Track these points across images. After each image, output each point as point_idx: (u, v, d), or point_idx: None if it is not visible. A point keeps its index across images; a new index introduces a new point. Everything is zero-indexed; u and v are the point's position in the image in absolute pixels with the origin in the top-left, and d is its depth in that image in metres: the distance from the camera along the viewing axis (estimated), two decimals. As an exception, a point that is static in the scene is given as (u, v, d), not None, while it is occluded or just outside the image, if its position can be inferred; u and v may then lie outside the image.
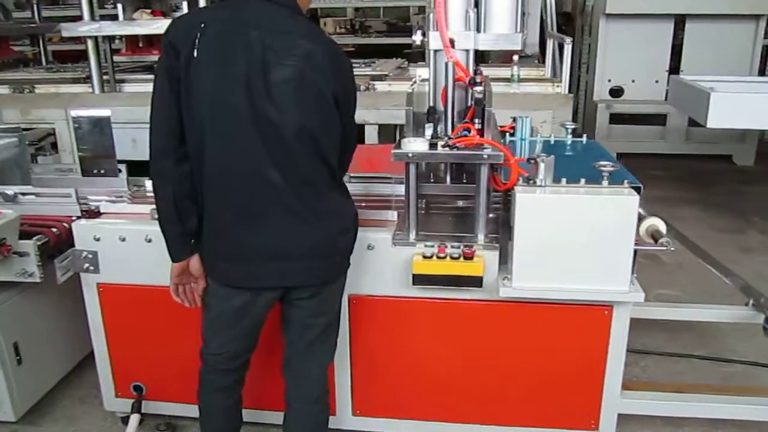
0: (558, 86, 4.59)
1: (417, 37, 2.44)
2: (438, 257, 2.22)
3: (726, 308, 3.20)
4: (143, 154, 3.81)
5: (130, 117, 4.38)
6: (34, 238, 2.50)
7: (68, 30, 4.62)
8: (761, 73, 7.26)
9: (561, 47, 4.64)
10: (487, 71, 2.90)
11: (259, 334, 2.07)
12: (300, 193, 1.82)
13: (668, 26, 6.92)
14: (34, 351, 2.78)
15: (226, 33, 1.76)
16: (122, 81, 4.90)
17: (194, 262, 1.93)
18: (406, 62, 5.79)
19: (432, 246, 2.27)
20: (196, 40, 1.74)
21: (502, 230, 2.31)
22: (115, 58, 5.03)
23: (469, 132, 2.23)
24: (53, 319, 2.89)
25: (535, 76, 5.20)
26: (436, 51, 2.39)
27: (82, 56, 7.55)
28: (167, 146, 1.82)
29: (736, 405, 2.53)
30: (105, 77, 4.75)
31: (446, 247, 2.25)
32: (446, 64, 2.32)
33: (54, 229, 2.61)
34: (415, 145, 2.18)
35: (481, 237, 2.28)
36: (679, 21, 6.92)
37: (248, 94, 1.73)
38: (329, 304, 2.03)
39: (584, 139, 2.94)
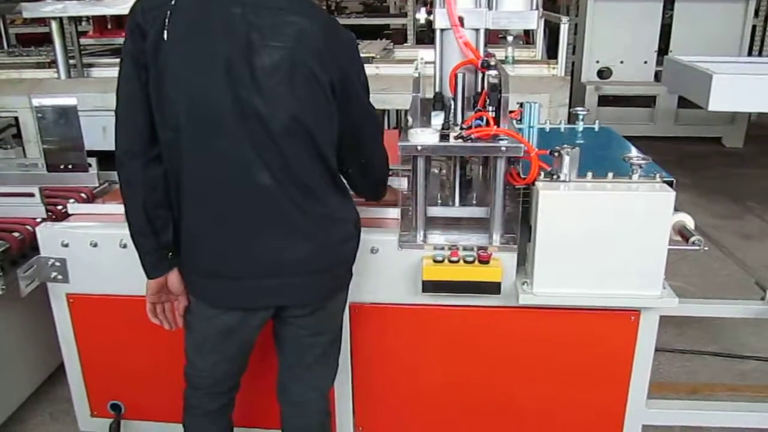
0: (554, 68, 4.37)
1: (421, 15, 2.18)
2: (450, 261, 2.00)
3: (740, 303, 3.01)
4: (114, 143, 3.54)
5: (99, 104, 4.09)
6: (-5, 245, 2.23)
7: (30, 11, 4.28)
8: (749, 53, 7.12)
9: (551, 27, 4.42)
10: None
11: (249, 355, 1.83)
12: (294, 197, 1.57)
13: (657, 5, 6.74)
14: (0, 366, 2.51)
15: (202, 10, 1.50)
16: (90, 65, 4.58)
17: (173, 279, 1.68)
18: (392, 44, 5.53)
19: (443, 248, 2.05)
20: (166, 20, 1.48)
21: (519, 229, 2.08)
22: (82, 40, 4.69)
23: (483, 121, 1.99)
24: (19, 331, 2.62)
25: (527, 58, 4.97)
26: (443, 30, 2.14)
27: (47, 39, 7.20)
28: (135, 146, 1.56)
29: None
30: (71, 61, 4.42)
31: (459, 249, 2.02)
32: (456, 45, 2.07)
33: (16, 234, 2.34)
34: (424, 137, 1.95)
35: (496, 237, 2.05)
36: (668, 0, 6.75)
37: (230, 82, 1.47)
38: (330, 321, 1.80)
39: (597, 125, 2.72)
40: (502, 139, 1.94)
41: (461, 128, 2.01)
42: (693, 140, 6.86)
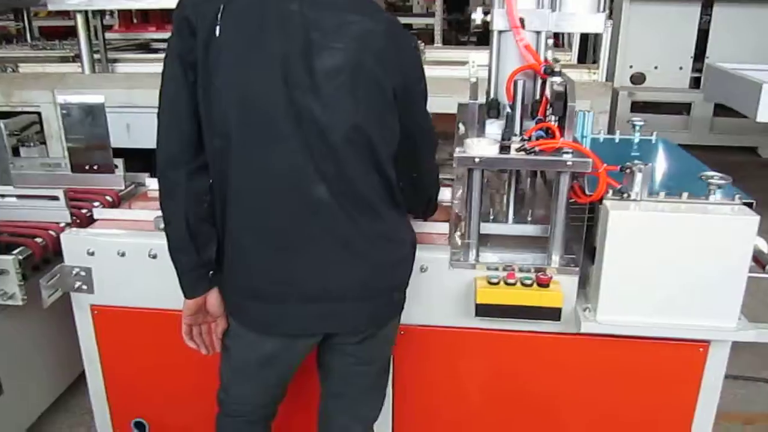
0: (594, 73, 4.20)
1: (477, 15, 2.02)
2: (506, 284, 1.84)
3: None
4: (138, 141, 3.40)
5: (124, 100, 3.97)
6: (15, 251, 2.10)
7: (55, 3, 4.16)
8: (789, 60, 6.88)
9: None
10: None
11: (289, 383, 1.68)
12: (351, 213, 1.42)
13: (694, 10, 6.52)
14: (18, 379, 2.38)
15: (259, 5, 1.36)
16: (115, 60, 4.46)
17: (212, 299, 1.53)
18: (422, 44, 5.36)
19: (496, 268, 1.89)
20: (219, 15, 1.33)
21: (582, 250, 1.92)
22: (107, 35, 4.57)
23: (547, 133, 1.83)
24: (38, 340, 2.49)
25: (563, 62, 4.79)
26: (500, 32, 1.98)
27: (71, 33, 7.10)
28: (180, 154, 1.42)
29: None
30: (96, 56, 4.30)
31: (515, 270, 1.86)
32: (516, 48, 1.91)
33: (38, 240, 2.20)
34: (482, 148, 1.79)
35: (556, 258, 1.89)
36: (706, 4, 6.53)
37: (287, 86, 1.33)
38: (381, 350, 1.64)
39: (654, 137, 2.56)
40: (566, 153, 1.78)
41: (522, 139, 1.85)
42: (728, 149, 6.64)
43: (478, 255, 1.92)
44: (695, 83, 6.63)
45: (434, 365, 2.01)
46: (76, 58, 4.42)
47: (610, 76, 6.87)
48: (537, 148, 1.77)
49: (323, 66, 1.32)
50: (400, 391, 2.04)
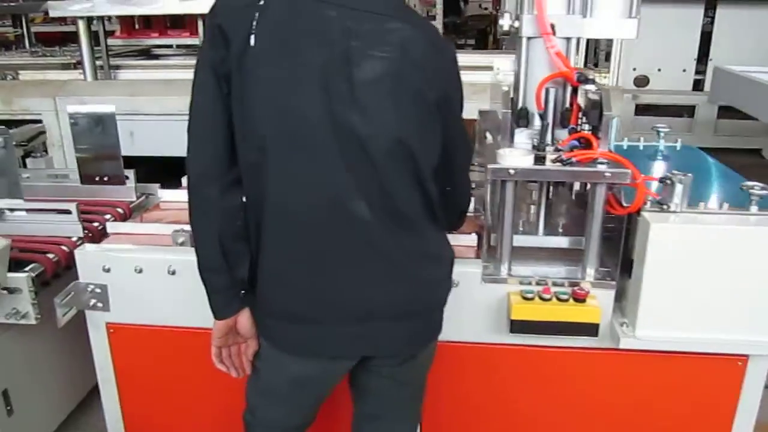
0: (605, 77, 4.14)
1: (505, 21, 1.96)
2: (541, 299, 1.78)
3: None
4: (143, 149, 3.31)
5: (127, 107, 3.89)
6: (27, 268, 2.02)
7: (56, 9, 4.07)
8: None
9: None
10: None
11: (320, 406, 1.61)
12: (391, 230, 1.35)
13: (697, 12, 6.50)
14: (28, 397, 2.30)
15: (295, 12, 1.29)
16: (117, 67, 4.38)
17: (244, 320, 1.46)
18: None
19: (529, 282, 1.83)
20: (254, 23, 1.26)
21: (619, 263, 1.86)
22: (109, 41, 4.49)
23: (581, 143, 1.78)
24: (49, 358, 2.41)
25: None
26: (529, 39, 1.92)
27: (68, 38, 7.00)
28: (212, 168, 1.35)
29: None
30: (98, 63, 4.22)
31: (550, 285, 1.80)
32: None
33: (51, 255, 2.13)
34: (517, 159, 1.73)
35: (590, 272, 1.83)
36: (709, 6, 6.50)
37: (326, 97, 1.26)
38: (419, 372, 1.58)
39: (679, 144, 2.50)
40: (601, 163, 1.73)
41: (556, 149, 1.79)
42: (732, 151, 6.59)
43: (510, 269, 1.85)
44: (698, 86, 6.61)
45: (466, 382, 1.95)
46: (78, 65, 4.35)
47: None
48: (574, 159, 1.71)
49: (364, 76, 1.26)
50: (431, 409, 1.97)
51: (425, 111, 1.33)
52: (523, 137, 1.93)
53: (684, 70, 6.61)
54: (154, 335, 2.02)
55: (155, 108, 3.96)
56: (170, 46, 5.24)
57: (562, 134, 1.89)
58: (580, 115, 1.87)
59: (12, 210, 2.25)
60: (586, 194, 2.18)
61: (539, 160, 1.73)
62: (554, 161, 1.72)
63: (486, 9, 10.20)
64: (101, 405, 2.70)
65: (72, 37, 6.95)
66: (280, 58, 1.26)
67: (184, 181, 2.73)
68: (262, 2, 1.26)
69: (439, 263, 1.46)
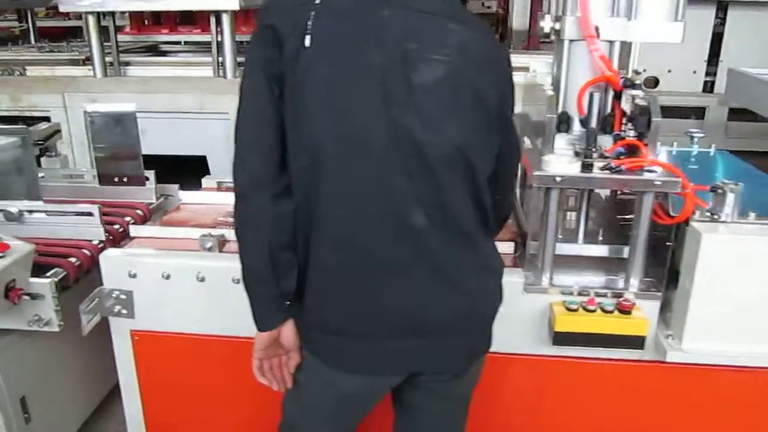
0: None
1: (546, 23, 1.90)
2: (586, 310, 1.72)
3: None
4: (153, 147, 3.24)
5: (138, 105, 3.82)
6: (50, 273, 1.95)
7: (66, 4, 4.00)
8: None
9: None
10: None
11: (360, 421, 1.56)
12: (448, 241, 1.29)
13: (709, 13, 6.44)
14: (46, 404, 2.23)
15: (352, 12, 1.23)
16: (127, 63, 4.30)
17: (288, 332, 1.39)
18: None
19: (571, 293, 1.78)
20: (308, 23, 1.20)
21: (657, 272, 1.80)
22: (118, 37, 4.40)
23: (626, 151, 1.72)
24: (66, 364, 2.34)
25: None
26: (571, 41, 1.87)
27: (71, 33, 6.92)
28: (264, 175, 1.28)
29: None
30: (107, 59, 4.14)
31: (592, 295, 1.75)
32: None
33: (72, 259, 2.06)
34: (563, 166, 1.67)
35: (635, 282, 1.78)
36: (720, 8, 6.45)
37: (385, 101, 1.20)
38: (468, 387, 1.52)
39: (713, 149, 2.45)
40: (649, 171, 1.67)
41: (601, 156, 1.74)
42: (743, 154, 6.54)
43: (552, 278, 1.80)
44: (708, 87, 6.56)
45: (506, 394, 1.89)
46: (87, 60, 4.27)
47: (624, 79, 6.80)
48: (623, 167, 1.65)
49: (422, 79, 1.20)
50: (471, 423, 1.91)
51: (484, 116, 1.27)
52: (562, 143, 1.87)
53: (694, 72, 6.55)
54: (180, 343, 1.95)
55: (167, 106, 3.89)
56: (179, 43, 5.17)
57: (603, 140, 1.84)
58: (624, 120, 1.82)
59: (31, 212, 2.17)
60: (624, 201, 2.16)
61: (586, 167, 1.67)
62: (602, 169, 1.66)
63: (489, 8, 10.13)
64: (118, 411, 2.65)
65: (75, 32, 6.90)
66: (337, 60, 1.20)
67: (204, 182, 2.70)
68: (318, 1, 1.20)
69: (493, 275, 1.40)
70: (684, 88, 6.57)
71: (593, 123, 1.82)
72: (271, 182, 1.27)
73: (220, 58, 4.08)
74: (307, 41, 1.19)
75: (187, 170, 3.16)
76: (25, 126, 2.23)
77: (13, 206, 2.16)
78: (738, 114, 5.97)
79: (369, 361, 1.35)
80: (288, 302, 1.36)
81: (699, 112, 6.52)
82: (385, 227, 1.25)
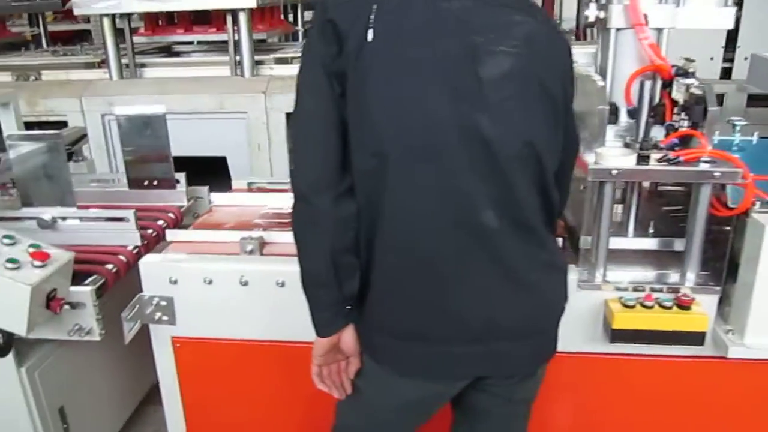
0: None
1: (591, 12, 1.85)
2: (643, 306, 1.67)
3: None
4: (172, 148, 3.20)
5: (156, 107, 3.79)
6: (89, 281, 1.91)
7: (81, 7, 3.95)
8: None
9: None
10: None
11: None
12: (517, 240, 1.24)
13: (724, -1, 6.36)
14: (83, 414, 2.20)
15: (415, 4, 1.18)
16: (143, 65, 4.26)
17: (348, 337, 1.35)
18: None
19: (625, 288, 1.73)
20: (371, 17, 1.16)
21: (714, 266, 1.75)
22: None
23: (680, 142, 1.67)
24: (103, 371, 2.32)
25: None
26: (618, 30, 1.82)
27: (78, 36, 6.87)
28: (325, 177, 1.23)
29: None
30: (123, 61, 4.10)
31: (647, 291, 1.70)
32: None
33: (109, 266, 2.02)
34: (619, 158, 1.62)
35: (691, 277, 1.73)
36: (736, -8, 6.38)
37: (453, 97, 1.15)
38: (533, 389, 1.47)
39: (755, 137, 2.38)
40: (705, 162, 1.62)
41: (656, 147, 1.69)
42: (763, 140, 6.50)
43: (605, 274, 1.75)
44: (726, 74, 6.48)
45: (561, 394, 1.84)
46: (102, 63, 4.23)
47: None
48: (681, 158, 1.60)
49: (490, 73, 1.15)
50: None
51: (552, 110, 1.23)
52: (610, 134, 1.82)
53: (711, 59, 6.47)
54: (223, 349, 1.91)
55: (184, 107, 3.84)
56: (191, 43, 5.12)
57: (653, 131, 1.79)
58: (675, 110, 1.77)
59: (64, 219, 2.13)
60: (663, 191, 2.11)
61: (642, 159, 1.62)
62: (659, 161, 1.61)
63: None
64: (151, 416, 2.63)
65: (84, 36, 6.86)
66: (402, 55, 1.16)
67: (235, 183, 2.66)
68: None
69: (560, 274, 1.35)
70: (701, 75, 6.49)
71: (644, 113, 1.77)
72: (332, 183, 1.22)
73: (237, 57, 4.02)
74: (370, 36, 1.14)
75: (204, 172, 3.11)
76: (57, 131, 2.18)
77: (46, 213, 2.12)
78: (758, 100, 5.90)
79: (436, 367, 1.30)
80: (349, 307, 1.32)
81: (717, 99, 6.44)
82: (453, 228, 1.20)
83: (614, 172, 1.61)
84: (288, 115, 3.82)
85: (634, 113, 1.82)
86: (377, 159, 1.18)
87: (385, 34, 1.15)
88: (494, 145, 1.17)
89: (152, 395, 2.66)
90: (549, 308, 1.34)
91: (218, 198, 2.44)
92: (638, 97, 1.77)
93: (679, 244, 1.80)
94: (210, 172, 3.20)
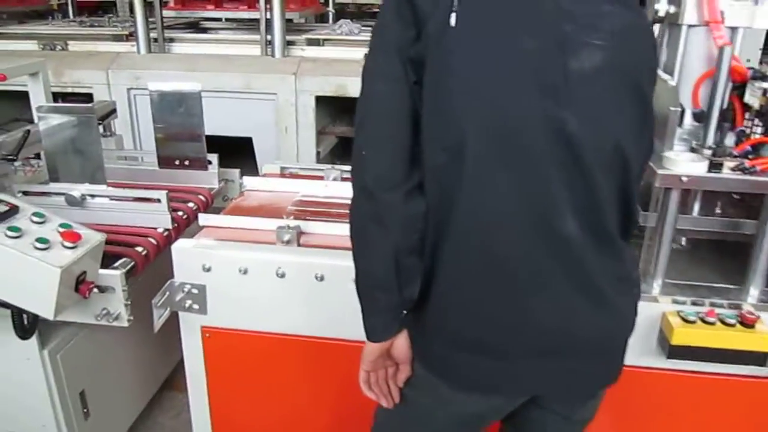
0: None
1: (661, 6, 1.74)
2: (704, 322, 1.58)
3: None
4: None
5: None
6: (118, 264, 1.83)
7: (112, -23, 3.86)
8: None
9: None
10: None
11: None
12: (597, 251, 1.14)
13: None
14: (103, 398, 2.14)
15: None
16: (171, 40, 4.17)
17: (401, 343, 1.26)
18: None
19: (684, 302, 1.64)
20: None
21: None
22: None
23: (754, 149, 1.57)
24: (124, 356, 2.25)
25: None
26: (690, 26, 1.71)
27: (101, 7, 6.79)
28: (396, 170, 1.13)
29: None
30: (152, 35, 4.02)
31: (706, 305, 1.61)
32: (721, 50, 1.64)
33: (139, 249, 1.94)
34: (689, 164, 1.52)
35: (754, 293, 1.63)
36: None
37: (540, 92, 1.05)
38: (595, 407, 1.37)
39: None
40: (780, 172, 1.52)
41: (728, 153, 1.58)
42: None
43: (663, 285, 1.66)
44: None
45: (614, 410, 1.74)
46: (130, 36, 4.15)
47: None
48: (758, 167, 1.50)
49: (580, 67, 1.06)
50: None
51: (641, 110, 1.13)
52: (674, 138, 1.72)
53: (748, 60, 6.31)
54: (254, 342, 1.83)
55: (213, 84, 3.75)
56: (219, 20, 5.03)
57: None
58: (747, 116, 1.67)
59: (93, 196, 2.05)
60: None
61: (715, 166, 1.52)
62: (734, 169, 1.51)
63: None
64: (170, 403, 2.57)
65: (107, 7, 6.77)
66: (488, 42, 1.06)
67: (266, 167, 2.56)
68: None
69: (635, 287, 1.26)
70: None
71: (714, 117, 1.66)
72: (402, 179, 1.13)
73: (268, 36, 3.93)
74: (453, 19, 1.04)
75: (228, 152, 3.02)
76: (90, 105, 2.10)
77: (76, 189, 2.04)
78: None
79: (500, 381, 1.21)
80: (405, 311, 1.23)
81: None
82: (532, 234, 1.10)
83: (684, 179, 1.51)
84: (318, 98, 3.73)
85: (700, 116, 1.71)
86: (452, 155, 1.09)
87: (470, 18, 1.05)
88: (580, 146, 1.07)
89: (172, 379, 2.61)
90: (624, 324, 1.24)
91: (250, 182, 2.35)
92: (709, 99, 1.66)
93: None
94: (235, 152, 3.12)
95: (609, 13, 1.08)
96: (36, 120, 2.15)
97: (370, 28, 4.65)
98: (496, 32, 1.06)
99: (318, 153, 3.87)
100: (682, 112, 1.72)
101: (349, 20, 4.50)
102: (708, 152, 1.59)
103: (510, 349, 1.17)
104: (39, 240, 1.57)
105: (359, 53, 3.85)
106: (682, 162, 1.52)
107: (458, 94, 1.06)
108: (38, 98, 2.46)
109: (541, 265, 1.12)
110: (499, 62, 1.05)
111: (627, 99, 1.10)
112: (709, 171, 1.53)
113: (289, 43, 3.97)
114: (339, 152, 4.28)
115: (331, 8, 5.51)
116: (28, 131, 2.16)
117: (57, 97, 3.65)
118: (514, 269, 1.13)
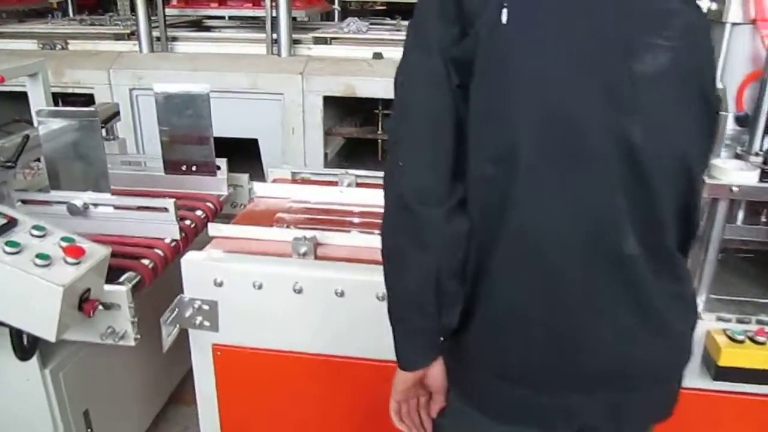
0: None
1: (703, 3, 1.63)
2: (754, 342, 1.47)
3: None
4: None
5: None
6: (123, 278, 1.72)
7: (113, -26, 3.75)
8: None
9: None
10: None
11: None
12: (656, 270, 1.03)
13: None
14: (109, 416, 2.03)
15: None
16: (174, 39, 4.06)
17: (436, 372, 1.15)
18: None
19: (729, 319, 1.53)
20: None
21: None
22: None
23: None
24: (128, 373, 2.14)
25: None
26: (734, 25, 1.60)
27: (100, 6, 6.66)
28: (437, 184, 1.02)
29: None
30: (154, 34, 3.90)
31: (762, 324, 1.50)
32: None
33: (145, 261, 1.83)
34: (738, 173, 1.42)
35: (804, 309, 1.53)
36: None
37: (603, 98, 0.95)
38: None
39: None
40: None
41: (776, 161, 1.48)
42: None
43: (709, 301, 1.55)
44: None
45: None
46: (132, 35, 4.03)
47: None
48: (814, 177, 1.39)
49: (645, 70, 0.95)
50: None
51: (708, 117, 1.03)
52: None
53: None
54: (268, 360, 1.73)
55: (217, 84, 3.63)
56: (222, 18, 4.92)
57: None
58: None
59: (96, 205, 1.95)
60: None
61: (766, 175, 1.42)
62: (789, 178, 1.40)
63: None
64: (175, 419, 2.47)
65: (107, 5, 6.65)
66: (544, 42, 0.95)
67: (275, 172, 2.44)
68: None
69: (693, 309, 1.15)
70: None
71: (761, 122, 1.56)
72: (445, 193, 1.01)
73: (274, 35, 3.81)
74: (504, 17, 0.93)
75: (232, 154, 2.91)
76: (93, 109, 1.99)
77: (78, 198, 1.93)
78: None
79: (549, 415, 1.10)
80: (442, 338, 1.12)
81: None
82: (591, 253, 0.99)
83: (735, 189, 1.41)
84: (326, 98, 3.62)
85: (744, 120, 1.60)
86: (502, 167, 0.98)
87: (524, 15, 0.94)
88: (644, 157, 0.96)
89: (178, 392, 2.51)
90: (682, 349, 1.13)
91: (260, 188, 2.24)
92: (756, 103, 1.55)
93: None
94: (239, 154, 3.01)
95: (674, 12, 0.98)
96: (35, 124, 2.04)
97: (377, 27, 4.56)
98: (553, 30, 0.95)
99: (326, 155, 3.75)
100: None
101: (356, 18, 4.38)
102: (757, 160, 1.48)
103: (555, 379, 1.06)
104: (39, 256, 1.47)
105: (368, 52, 3.78)
106: (731, 171, 1.42)
107: (511, 100, 0.95)
108: (38, 100, 2.35)
109: (599, 286, 1.01)
110: (559, 64, 0.95)
111: (692, 105, 1.00)
112: (761, 181, 1.42)
113: (296, 41, 3.86)
114: (346, 154, 4.18)
115: (336, 6, 5.40)
116: (27, 136, 2.04)
117: (57, 97, 3.54)
118: (571, 292, 1.02)
